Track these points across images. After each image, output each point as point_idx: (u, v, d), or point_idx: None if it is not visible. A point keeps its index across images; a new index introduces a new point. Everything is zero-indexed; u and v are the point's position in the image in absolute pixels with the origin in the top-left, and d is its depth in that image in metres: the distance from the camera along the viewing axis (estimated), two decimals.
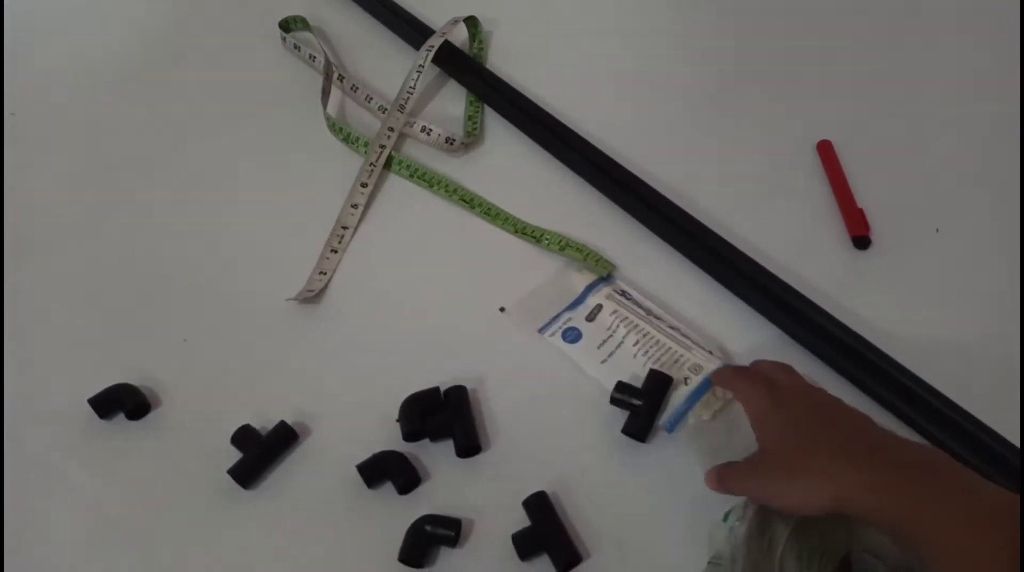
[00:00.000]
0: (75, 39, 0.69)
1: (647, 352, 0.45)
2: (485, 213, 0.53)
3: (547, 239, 0.51)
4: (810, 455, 0.34)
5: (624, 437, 0.43)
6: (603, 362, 0.46)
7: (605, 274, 0.49)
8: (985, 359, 0.45)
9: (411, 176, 0.56)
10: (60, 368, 0.49)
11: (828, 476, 0.33)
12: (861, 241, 0.50)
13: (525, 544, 0.40)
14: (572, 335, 0.47)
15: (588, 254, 0.50)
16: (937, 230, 0.51)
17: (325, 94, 0.60)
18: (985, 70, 0.58)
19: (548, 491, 0.41)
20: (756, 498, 0.36)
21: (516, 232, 0.52)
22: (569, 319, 0.48)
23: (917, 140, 0.55)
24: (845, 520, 0.34)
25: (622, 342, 0.46)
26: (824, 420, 0.36)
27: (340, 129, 0.58)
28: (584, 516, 0.41)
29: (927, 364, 0.43)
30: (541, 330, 0.48)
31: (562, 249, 0.51)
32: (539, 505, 0.41)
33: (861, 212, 0.51)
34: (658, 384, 0.44)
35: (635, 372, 0.45)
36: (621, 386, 0.44)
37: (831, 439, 0.34)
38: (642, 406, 0.43)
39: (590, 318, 0.47)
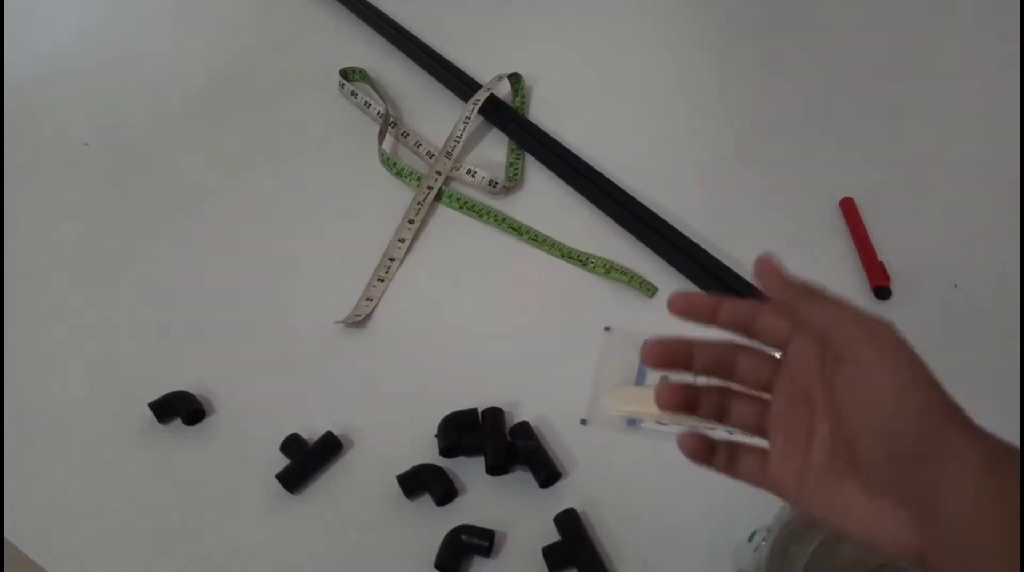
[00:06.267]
0: (148, 73, 0.74)
1: None
2: (532, 239, 0.57)
3: (592, 262, 0.55)
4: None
5: (652, 456, 0.45)
6: None
7: (651, 295, 0.53)
8: (993, 401, 0.47)
9: (461, 208, 0.60)
10: (126, 375, 0.53)
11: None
12: (882, 291, 0.53)
13: (555, 558, 0.42)
14: None
15: (632, 277, 0.54)
16: (956, 285, 0.53)
17: (381, 135, 0.65)
18: (1001, 132, 0.62)
19: (577, 508, 0.43)
20: (809, 501, 0.29)
21: (563, 256, 0.56)
22: None
23: (937, 199, 0.58)
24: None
25: None
26: None
27: (393, 164, 0.63)
28: (611, 532, 0.43)
29: None
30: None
31: (607, 272, 0.54)
32: (569, 521, 0.43)
33: (882, 264, 0.54)
34: None
35: None
36: None
37: None
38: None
39: None
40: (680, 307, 0.32)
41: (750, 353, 0.33)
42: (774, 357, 0.33)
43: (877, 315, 0.28)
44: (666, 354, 0.33)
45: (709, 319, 0.32)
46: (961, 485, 0.25)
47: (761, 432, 0.32)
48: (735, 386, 0.33)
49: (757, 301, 0.32)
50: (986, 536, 0.25)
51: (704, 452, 0.32)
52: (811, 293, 0.30)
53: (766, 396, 0.32)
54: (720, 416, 0.33)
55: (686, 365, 0.33)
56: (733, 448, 0.33)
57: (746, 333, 0.32)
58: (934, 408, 0.26)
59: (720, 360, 0.33)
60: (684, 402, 0.33)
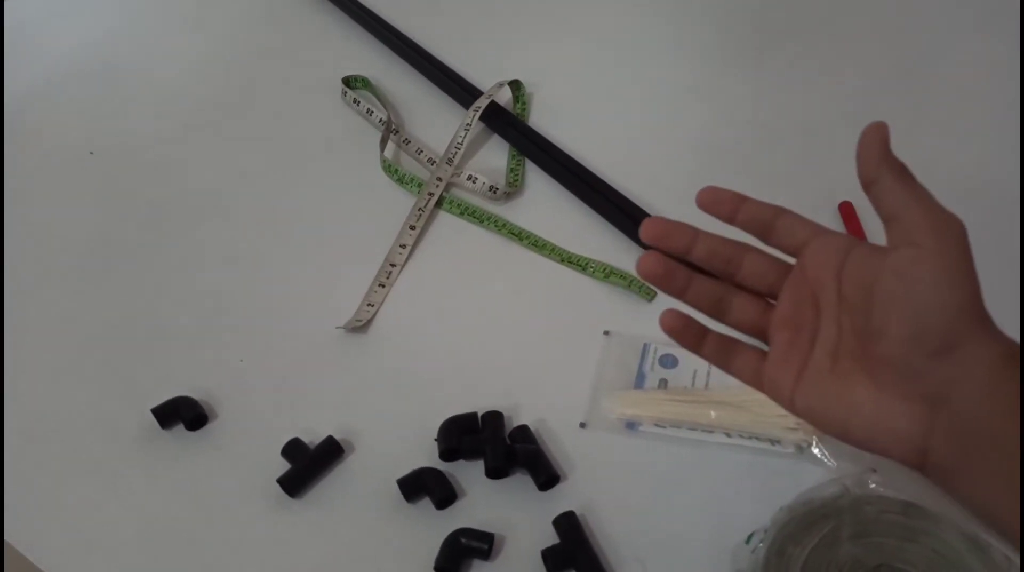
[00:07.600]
0: (152, 82, 0.75)
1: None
2: (533, 244, 0.58)
3: (592, 267, 0.55)
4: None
5: (651, 459, 0.45)
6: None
7: (649, 299, 0.53)
8: None
9: (462, 214, 0.61)
10: (129, 380, 0.53)
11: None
12: None
13: (554, 560, 0.42)
14: (669, 361, 0.50)
15: (632, 281, 0.54)
16: None
17: (383, 142, 0.66)
18: (1001, 137, 0.62)
19: (576, 511, 0.44)
20: (821, 400, 0.29)
21: (562, 261, 0.56)
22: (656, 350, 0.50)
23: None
24: (872, 537, 0.35)
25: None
26: None
27: (395, 170, 0.63)
28: (610, 535, 0.43)
29: None
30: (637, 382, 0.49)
31: (607, 276, 0.54)
32: (568, 524, 0.43)
33: None
34: None
35: None
36: None
37: None
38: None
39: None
40: (707, 198, 0.32)
41: (758, 254, 0.32)
42: (782, 262, 0.32)
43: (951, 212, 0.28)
44: (665, 231, 0.32)
45: (731, 214, 0.32)
46: (975, 378, 0.25)
47: (760, 333, 0.32)
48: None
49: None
50: (993, 427, 0.25)
51: (688, 333, 0.31)
52: (905, 173, 0.29)
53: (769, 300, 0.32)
54: (717, 310, 0.32)
55: (685, 249, 0.32)
56: (729, 342, 0.32)
57: (763, 234, 0.32)
58: (971, 308, 0.26)
59: (724, 254, 0.32)
60: (665, 271, 0.31)
